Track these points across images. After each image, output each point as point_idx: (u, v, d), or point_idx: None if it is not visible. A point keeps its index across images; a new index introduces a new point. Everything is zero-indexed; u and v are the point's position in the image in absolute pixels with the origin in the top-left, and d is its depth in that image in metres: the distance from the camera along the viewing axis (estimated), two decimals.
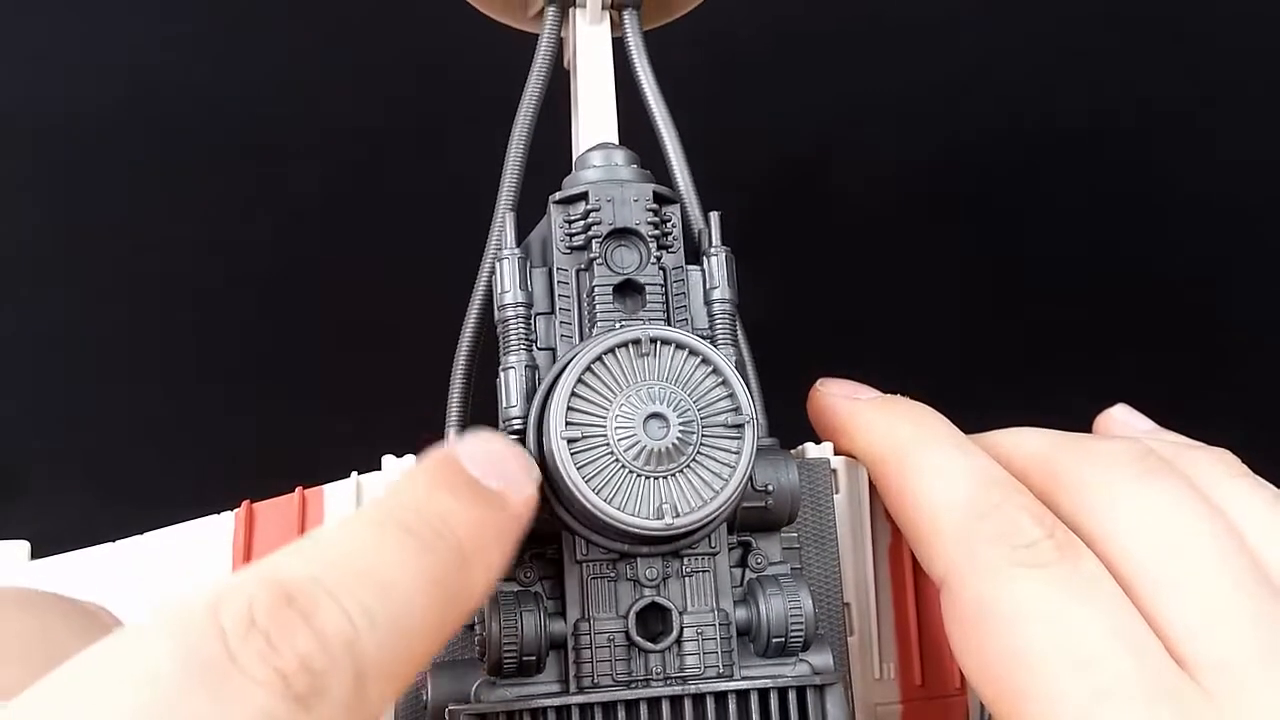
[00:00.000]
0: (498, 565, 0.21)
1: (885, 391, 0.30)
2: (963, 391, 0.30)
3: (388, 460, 0.28)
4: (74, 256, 0.46)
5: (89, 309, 0.46)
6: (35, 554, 0.29)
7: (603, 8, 0.32)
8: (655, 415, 0.24)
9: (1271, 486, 0.28)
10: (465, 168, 0.41)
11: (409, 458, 0.28)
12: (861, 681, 0.29)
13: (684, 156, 0.31)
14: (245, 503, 0.28)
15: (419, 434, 0.29)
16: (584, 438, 0.24)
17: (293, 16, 0.49)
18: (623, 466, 0.24)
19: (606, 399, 0.24)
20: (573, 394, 0.24)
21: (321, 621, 0.18)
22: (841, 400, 0.30)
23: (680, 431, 0.24)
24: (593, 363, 0.25)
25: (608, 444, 0.24)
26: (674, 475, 0.24)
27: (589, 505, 0.24)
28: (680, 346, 0.25)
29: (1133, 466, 0.27)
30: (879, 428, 0.29)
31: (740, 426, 0.25)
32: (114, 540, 0.29)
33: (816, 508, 0.29)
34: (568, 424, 0.24)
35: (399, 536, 0.20)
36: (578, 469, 0.24)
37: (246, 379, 0.45)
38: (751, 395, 0.30)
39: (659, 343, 0.25)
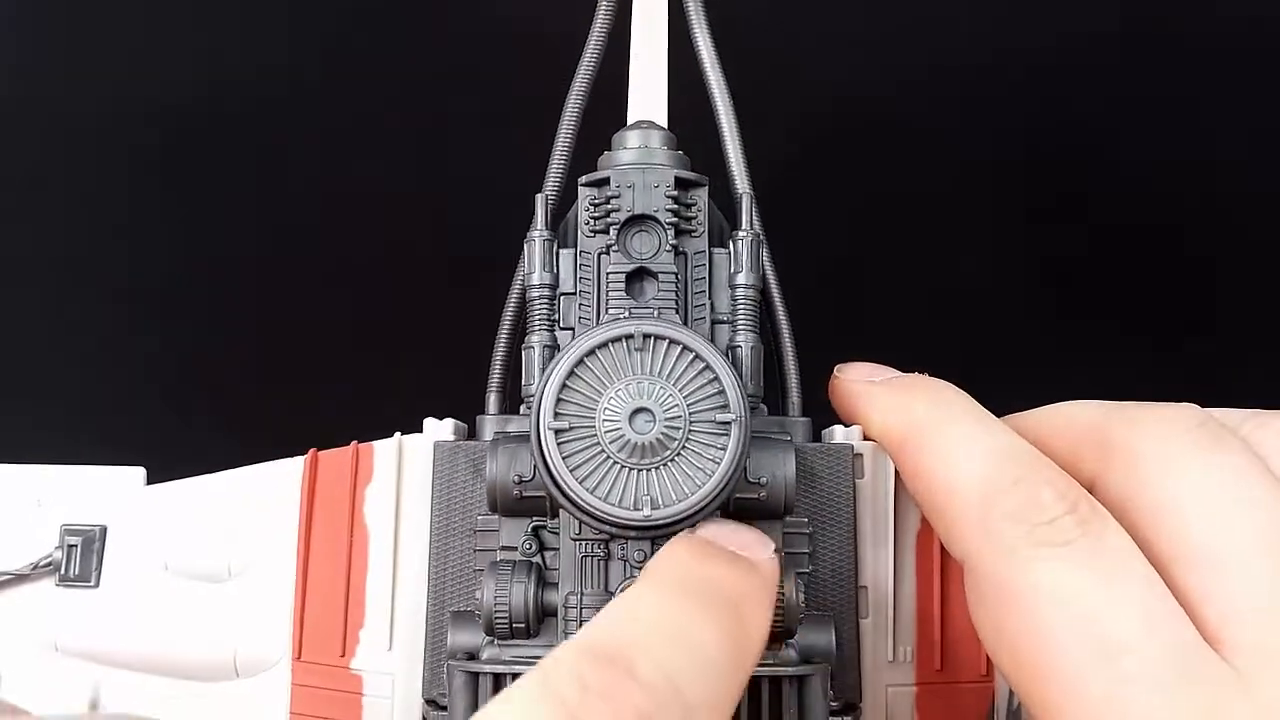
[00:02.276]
0: (765, 619, 0.24)
1: (907, 371, 0.30)
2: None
3: (429, 422, 0.31)
4: (75, 252, 0.51)
5: (97, 304, 0.51)
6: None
7: None
8: (641, 410, 0.25)
9: None
10: (473, 163, 0.42)
11: (448, 420, 0.31)
12: (873, 663, 0.30)
13: (736, 127, 0.31)
14: (312, 451, 0.31)
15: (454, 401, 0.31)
16: (572, 429, 0.25)
17: (293, 14, 0.51)
18: (608, 458, 0.25)
19: (597, 391, 0.26)
20: (564, 385, 0.26)
21: (645, 676, 0.20)
22: (857, 384, 0.29)
23: (665, 427, 0.25)
24: (585, 356, 0.26)
25: (595, 436, 0.25)
26: (657, 469, 0.25)
27: (572, 494, 0.25)
28: (674, 343, 0.26)
29: (1189, 435, 0.26)
30: (894, 408, 0.28)
31: (728, 424, 0.25)
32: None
33: (835, 492, 0.29)
34: (556, 415, 0.25)
35: (685, 600, 0.22)
36: (563, 459, 0.25)
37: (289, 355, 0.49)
38: (786, 378, 0.31)
39: (653, 338, 0.26)
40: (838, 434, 0.30)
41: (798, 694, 0.26)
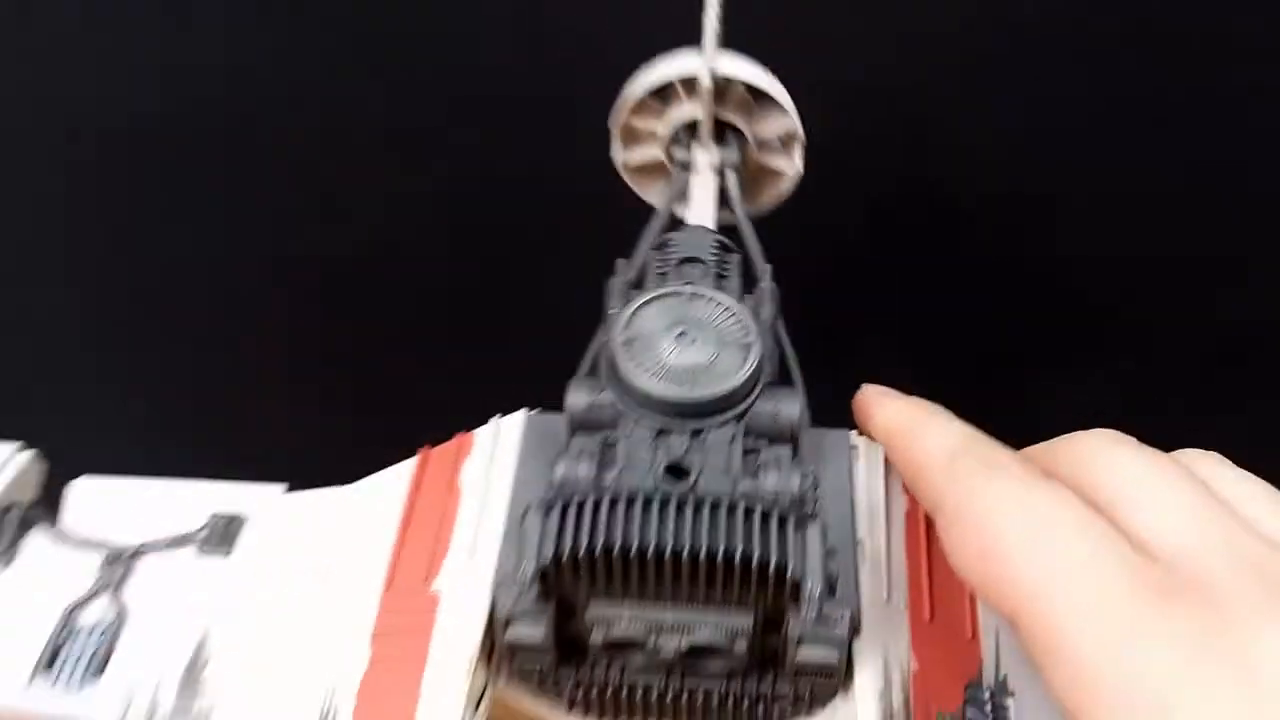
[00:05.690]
0: None
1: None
2: (962, 393, 0.38)
3: (522, 411, 0.39)
4: (77, 248, 0.58)
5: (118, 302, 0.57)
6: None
7: (713, 172, 0.46)
8: (685, 333, 0.35)
9: (1259, 479, 0.33)
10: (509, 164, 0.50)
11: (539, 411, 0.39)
12: (870, 602, 0.35)
13: (755, 235, 0.44)
14: (425, 447, 0.40)
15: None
16: (637, 340, 0.35)
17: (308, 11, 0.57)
18: (661, 362, 0.35)
19: (657, 324, 0.36)
20: (633, 316, 0.36)
21: None
22: (874, 391, 0.39)
23: (704, 343, 0.35)
24: (651, 299, 0.36)
25: (654, 350, 0.35)
26: (700, 371, 0.34)
27: (636, 383, 0.34)
28: (711, 299, 0.36)
29: (1126, 441, 0.33)
30: (897, 409, 0.37)
31: (748, 345, 0.35)
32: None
33: (835, 466, 0.37)
34: (625, 333, 0.35)
35: None
36: (630, 360, 0.35)
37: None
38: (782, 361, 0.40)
39: (697, 295, 0.36)
40: None
41: (803, 533, 0.32)
